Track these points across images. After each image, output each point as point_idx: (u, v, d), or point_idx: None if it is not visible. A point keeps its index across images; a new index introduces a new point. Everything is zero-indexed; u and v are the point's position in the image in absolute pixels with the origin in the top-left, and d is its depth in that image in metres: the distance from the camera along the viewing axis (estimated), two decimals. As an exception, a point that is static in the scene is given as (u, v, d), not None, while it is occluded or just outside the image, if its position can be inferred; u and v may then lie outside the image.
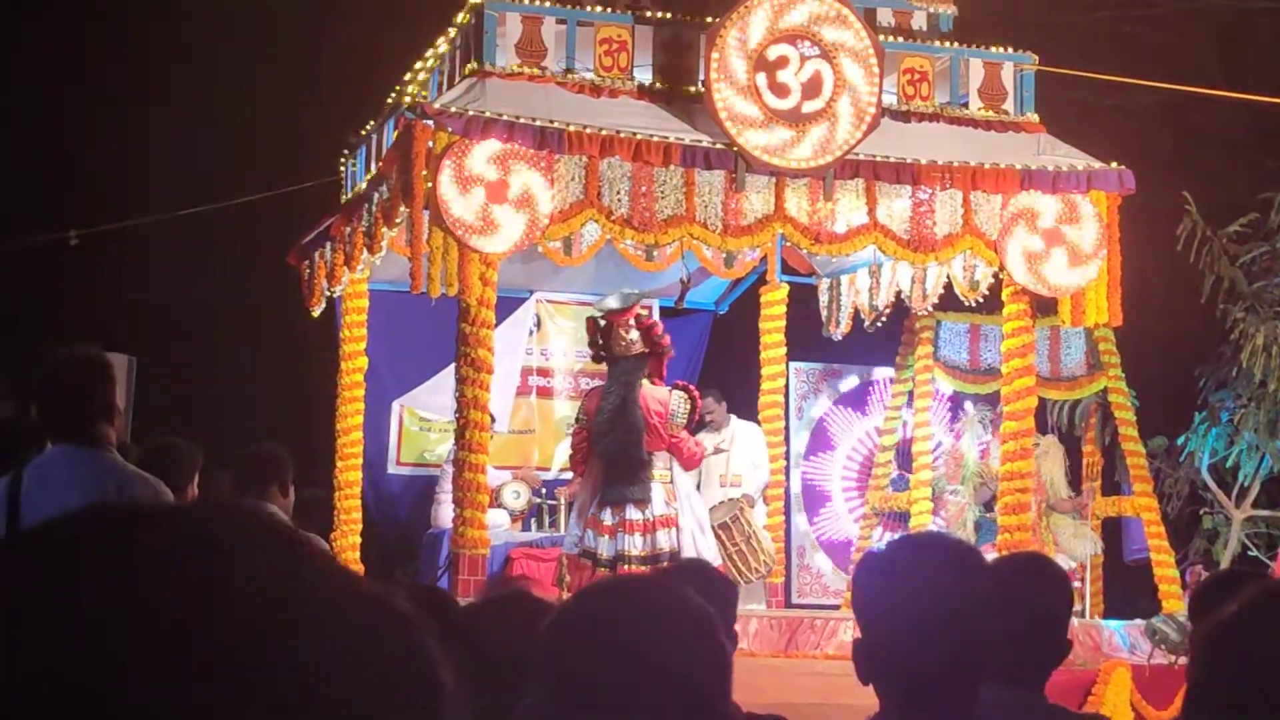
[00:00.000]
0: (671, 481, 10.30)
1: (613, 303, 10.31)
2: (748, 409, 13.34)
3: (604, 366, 10.50)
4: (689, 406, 10.29)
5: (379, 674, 0.78)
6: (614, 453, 10.12)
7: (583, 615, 1.92)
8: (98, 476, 4.99)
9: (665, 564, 9.78)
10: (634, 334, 10.23)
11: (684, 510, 10.27)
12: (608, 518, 10.16)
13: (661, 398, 10.19)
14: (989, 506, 12.55)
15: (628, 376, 10.16)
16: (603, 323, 10.30)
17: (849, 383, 15.05)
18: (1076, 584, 12.45)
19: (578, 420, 10.58)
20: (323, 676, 0.75)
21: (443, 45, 11.64)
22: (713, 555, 10.16)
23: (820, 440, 14.90)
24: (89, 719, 0.72)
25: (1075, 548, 12.82)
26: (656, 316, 10.80)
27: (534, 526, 13.29)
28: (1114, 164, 11.64)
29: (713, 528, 10.80)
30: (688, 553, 9.92)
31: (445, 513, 12.03)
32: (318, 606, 0.78)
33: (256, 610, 0.76)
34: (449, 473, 11.60)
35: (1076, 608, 11.91)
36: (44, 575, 0.76)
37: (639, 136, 10.63)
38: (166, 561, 0.77)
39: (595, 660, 1.81)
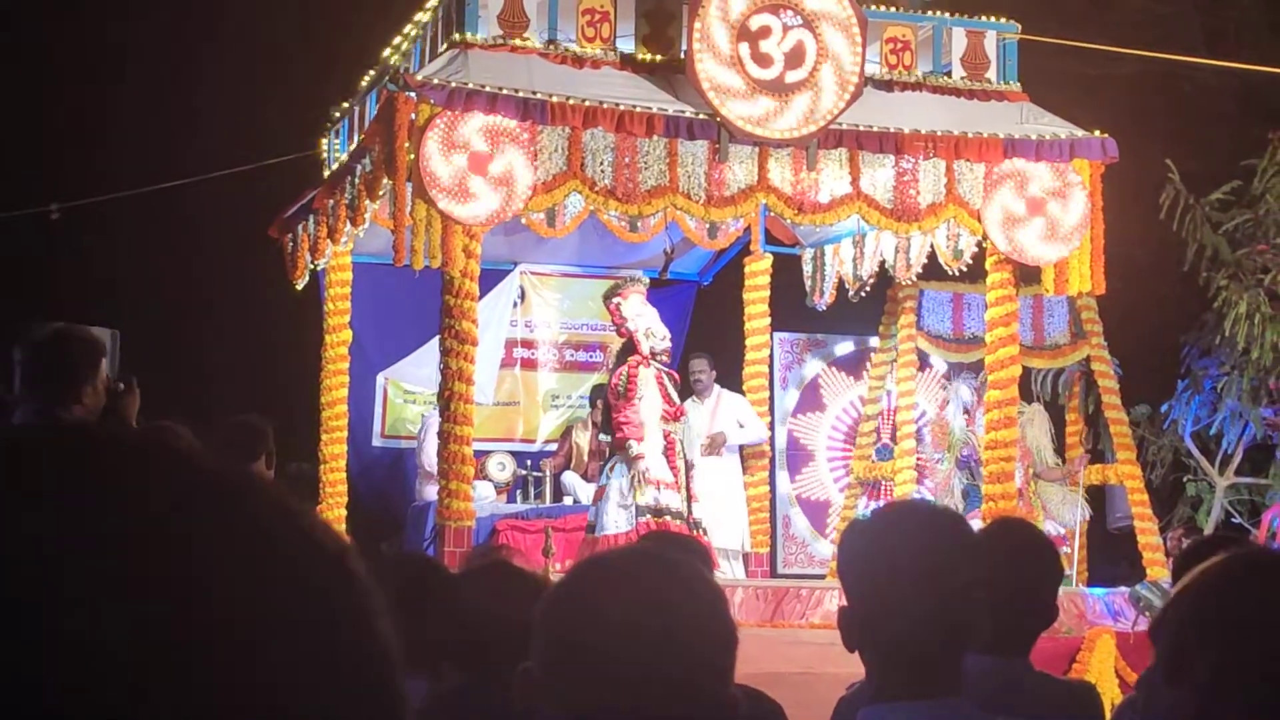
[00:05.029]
0: (629, 455, 10.53)
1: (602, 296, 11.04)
2: (732, 380, 13.36)
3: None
4: (624, 381, 10.50)
5: (307, 593, 0.77)
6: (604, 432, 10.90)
7: (585, 582, 1.92)
8: None
9: (591, 534, 10.21)
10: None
11: (611, 479, 10.49)
12: None
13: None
14: (974, 474, 12.55)
15: (616, 361, 10.66)
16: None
17: (844, 347, 15.06)
18: (1065, 550, 12.47)
19: None
20: (250, 592, 0.74)
21: (424, 16, 11.59)
22: (615, 526, 10.36)
23: (811, 399, 14.90)
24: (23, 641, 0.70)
25: (1064, 514, 12.84)
26: (635, 293, 10.93)
27: (519, 498, 13.28)
28: (1097, 132, 11.64)
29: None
30: (602, 523, 10.39)
31: (430, 485, 12.05)
32: (254, 528, 0.77)
33: (189, 527, 0.75)
34: (434, 443, 11.64)
35: (1067, 573, 11.95)
36: None
37: (622, 107, 10.60)
38: (84, 483, 0.75)
39: (596, 629, 1.81)
